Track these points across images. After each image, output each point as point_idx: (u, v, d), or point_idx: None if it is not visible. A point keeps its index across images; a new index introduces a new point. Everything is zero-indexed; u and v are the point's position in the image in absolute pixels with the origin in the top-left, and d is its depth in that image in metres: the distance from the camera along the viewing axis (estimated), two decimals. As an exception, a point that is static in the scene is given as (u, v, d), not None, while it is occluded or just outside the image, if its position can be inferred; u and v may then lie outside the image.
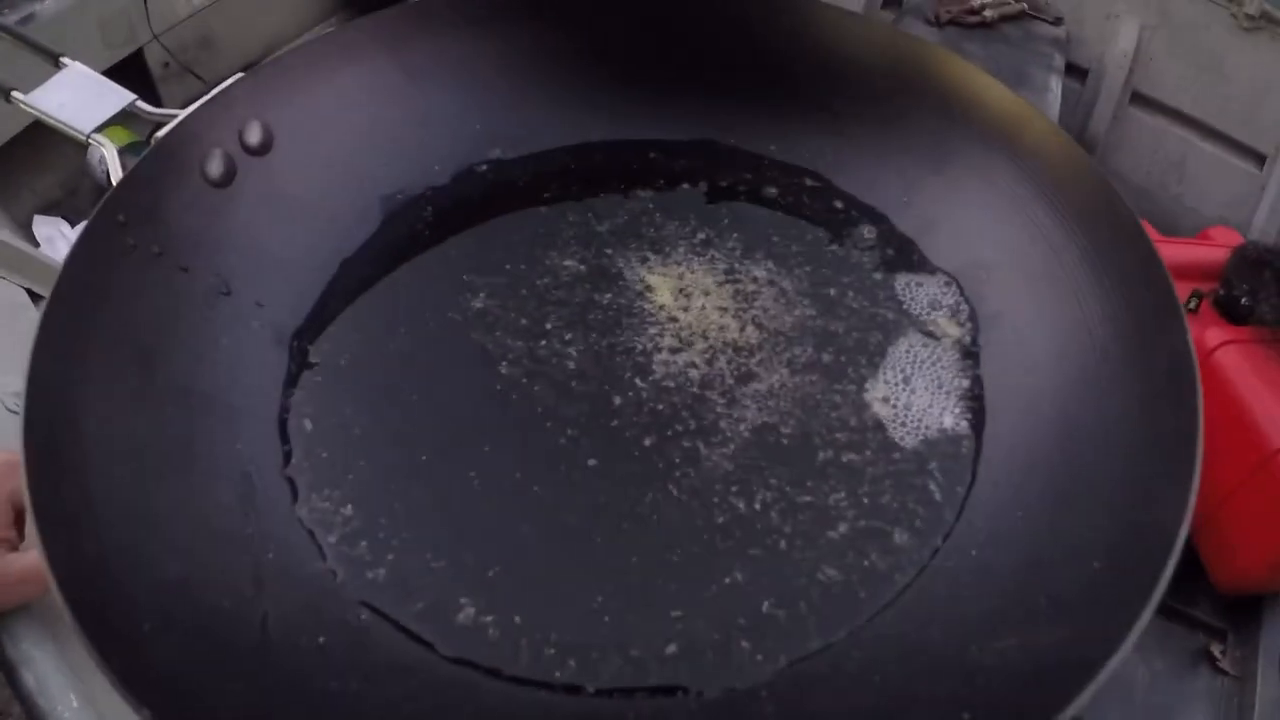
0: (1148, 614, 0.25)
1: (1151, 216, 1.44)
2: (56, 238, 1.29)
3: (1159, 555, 0.26)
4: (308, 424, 0.42)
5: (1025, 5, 1.44)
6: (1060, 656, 0.25)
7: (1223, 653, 1.33)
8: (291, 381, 0.43)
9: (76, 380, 0.36)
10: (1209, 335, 1.31)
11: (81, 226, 0.43)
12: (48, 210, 1.34)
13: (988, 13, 1.41)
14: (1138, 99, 1.49)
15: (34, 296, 1.15)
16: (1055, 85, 1.37)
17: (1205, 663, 1.33)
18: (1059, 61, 1.43)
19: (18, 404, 0.93)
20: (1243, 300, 1.32)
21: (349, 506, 0.38)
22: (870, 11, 1.54)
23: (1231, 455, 1.24)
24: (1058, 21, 1.46)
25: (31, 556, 0.39)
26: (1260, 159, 1.46)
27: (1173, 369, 0.34)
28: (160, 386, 0.40)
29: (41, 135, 1.28)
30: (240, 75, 0.50)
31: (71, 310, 0.38)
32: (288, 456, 0.40)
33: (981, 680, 0.27)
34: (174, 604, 0.31)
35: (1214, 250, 1.39)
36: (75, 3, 1.16)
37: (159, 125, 0.50)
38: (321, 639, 0.32)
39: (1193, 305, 1.33)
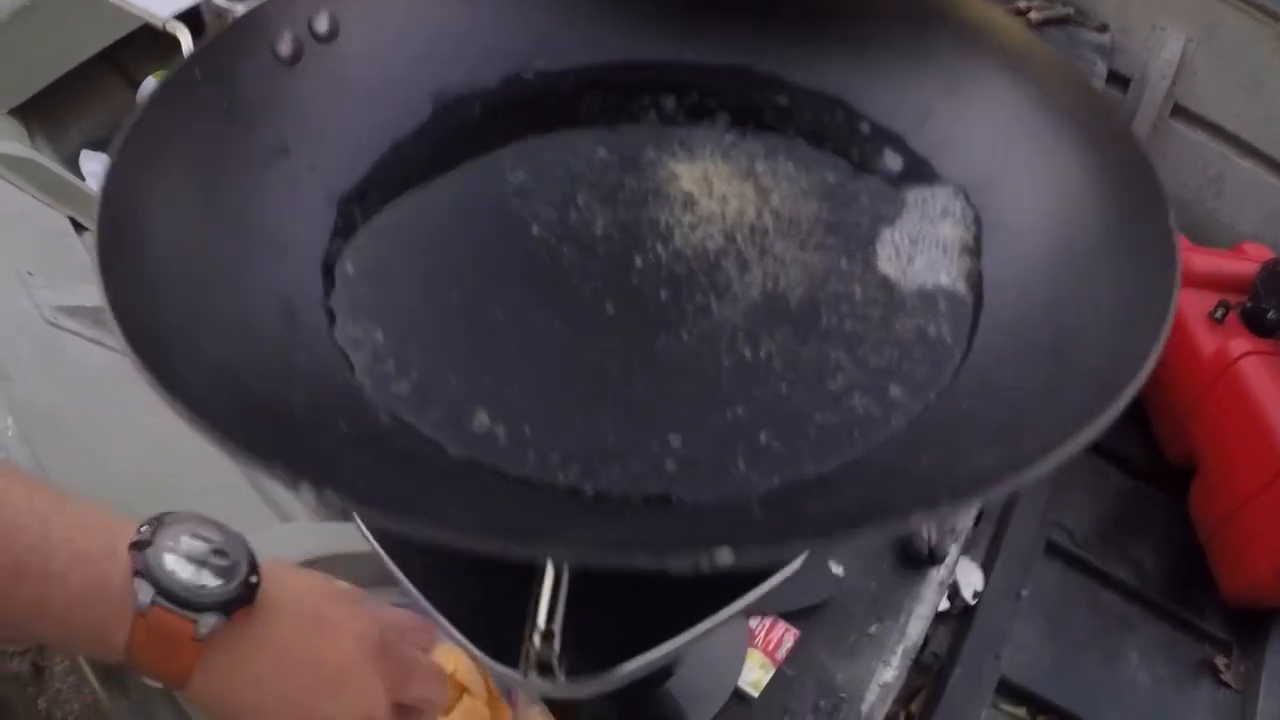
0: (1083, 439, 0.28)
1: (1187, 229, 1.45)
2: (101, 172, 1.36)
3: (1110, 399, 0.29)
4: (350, 267, 0.45)
5: (1071, 10, 1.46)
6: (1024, 458, 0.28)
7: (1227, 666, 1.32)
8: (338, 234, 0.47)
9: (146, 193, 0.40)
10: (1234, 345, 1.32)
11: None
12: (94, 147, 1.39)
13: (1033, 15, 1.42)
14: (1179, 111, 1.49)
15: (77, 226, 1.20)
16: (1097, 90, 1.39)
17: (1208, 674, 1.32)
18: (1101, 68, 1.44)
19: (56, 316, 0.98)
20: (1269, 314, 1.32)
21: (380, 333, 0.41)
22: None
23: (1249, 464, 1.25)
24: (1103, 29, 1.47)
25: None
26: (1299, 179, 1.46)
27: (1155, 254, 0.36)
28: (218, 218, 0.43)
29: (91, 76, 1.34)
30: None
31: (149, 139, 0.42)
32: (328, 292, 0.43)
33: (963, 479, 0.30)
34: (218, 378, 0.34)
35: (1244, 263, 1.39)
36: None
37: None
38: (344, 428, 0.35)
39: (1219, 315, 1.34)
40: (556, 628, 0.34)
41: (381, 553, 0.38)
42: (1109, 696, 1.25)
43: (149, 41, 1.30)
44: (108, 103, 1.44)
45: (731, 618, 0.40)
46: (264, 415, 0.33)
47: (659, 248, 0.45)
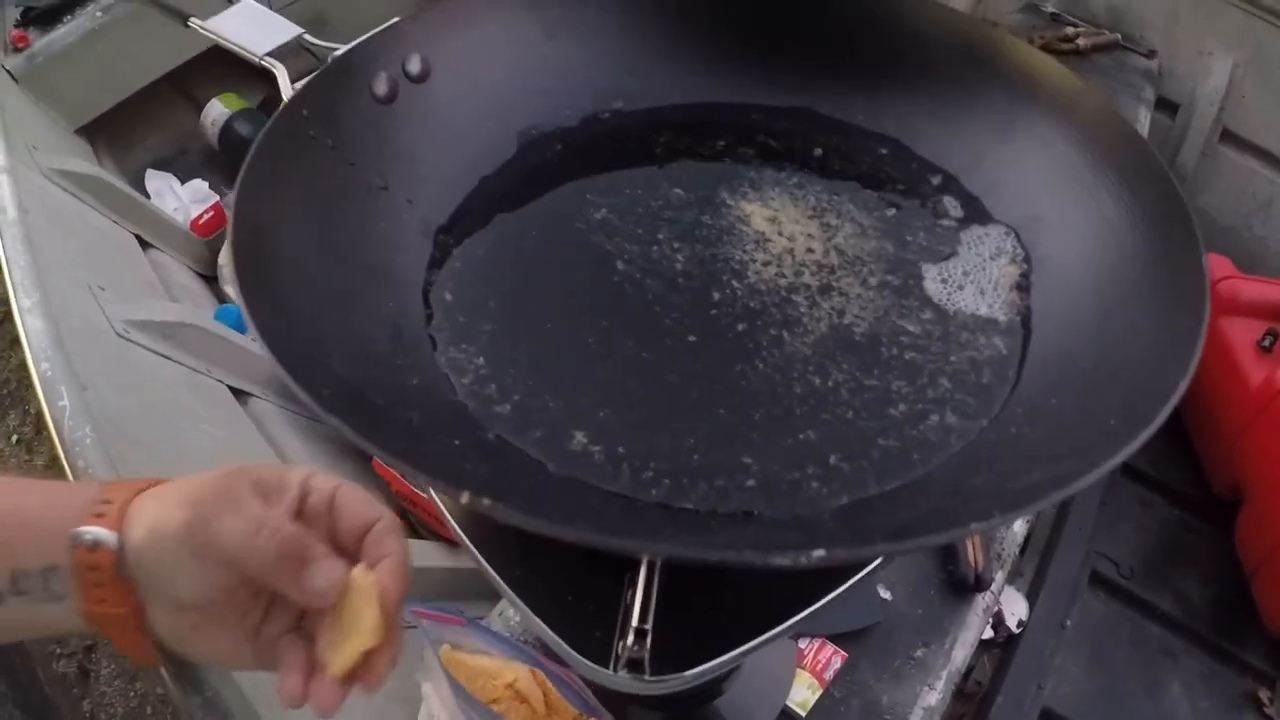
0: (1120, 457, 0.31)
1: (1235, 255, 1.44)
2: (165, 191, 1.39)
3: (1140, 425, 0.32)
4: (448, 295, 0.49)
5: (1119, 36, 1.46)
6: (1067, 475, 0.31)
7: (1270, 699, 1.31)
8: (435, 265, 0.51)
9: (272, 227, 0.44)
10: (1280, 375, 1.31)
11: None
12: (158, 167, 1.44)
13: (1081, 41, 1.43)
14: (1227, 137, 1.48)
15: (143, 243, 1.25)
16: (1144, 117, 1.39)
17: (1251, 706, 1.31)
18: (1149, 94, 1.44)
19: (127, 330, 1.01)
20: (1319, 342, 1.31)
21: (481, 358, 0.45)
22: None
23: (1295, 496, 1.24)
24: (1151, 54, 1.47)
25: None
26: (1347, 207, 1.45)
27: (1188, 289, 0.39)
28: (332, 249, 0.47)
29: (157, 97, 1.38)
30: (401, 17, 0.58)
31: (267, 172, 0.46)
32: (429, 318, 0.48)
33: (1012, 495, 0.33)
34: (346, 394, 0.38)
35: (1293, 291, 1.38)
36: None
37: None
38: (457, 442, 0.39)
39: (1267, 344, 1.33)
40: (649, 626, 0.38)
41: (482, 561, 0.42)
42: (1151, 726, 1.25)
43: (212, 65, 1.35)
44: (172, 123, 1.48)
45: (792, 628, 0.43)
46: (391, 427, 0.37)
47: (734, 283, 0.49)
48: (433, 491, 0.50)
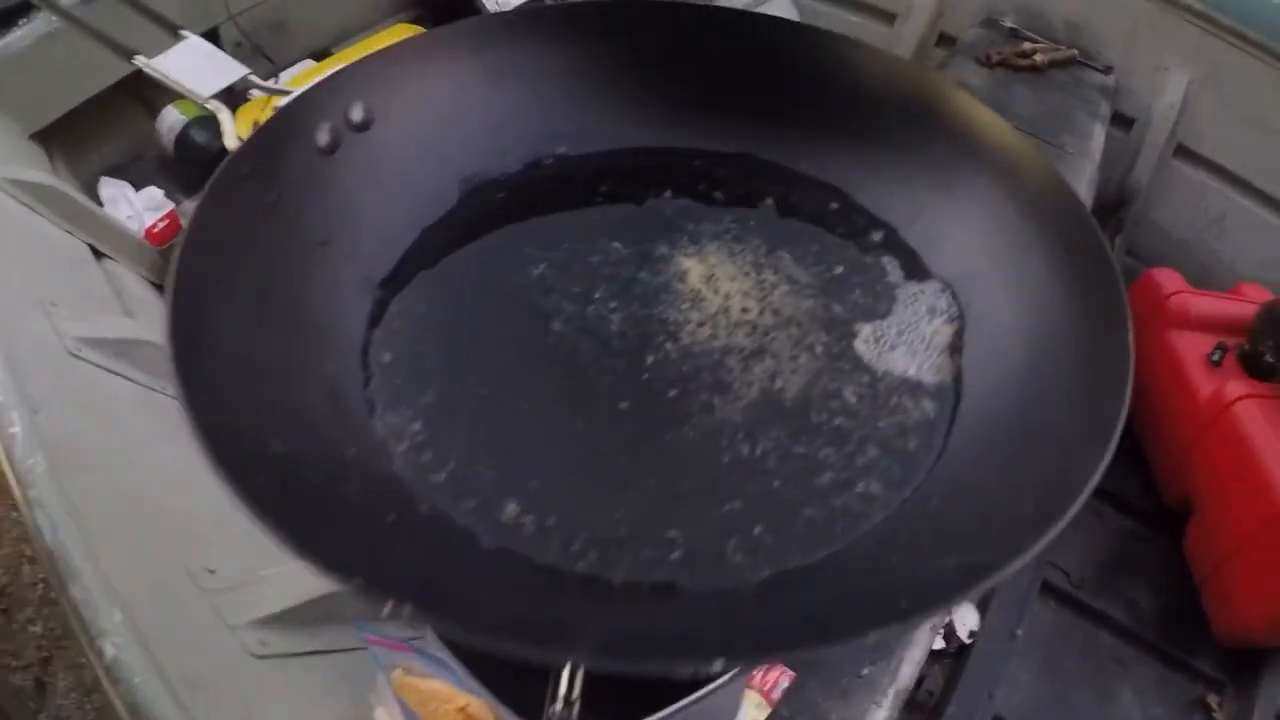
0: (1041, 543, 0.32)
1: (1187, 269, 1.46)
2: (120, 199, 1.36)
3: (1063, 506, 0.33)
4: (386, 356, 0.49)
5: (1076, 52, 1.48)
6: (979, 567, 0.32)
7: (1219, 705, 1.34)
8: (374, 323, 0.51)
9: (209, 291, 0.44)
10: (1230, 388, 1.34)
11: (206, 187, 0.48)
12: (113, 174, 1.40)
13: (1038, 57, 1.44)
14: (1182, 152, 1.51)
15: (96, 253, 1.22)
16: (1099, 133, 1.41)
17: (1201, 712, 1.34)
18: (1105, 109, 1.46)
19: (80, 348, 0.99)
20: (1267, 357, 1.34)
21: (418, 423, 0.46)
22: (922, 51, 1.59)
23: (1243, 507, 1.27)
24: (1108, 70, 1.49)
25: None
26: (1300, 221, 1.47)
27: (1113, 369, 0.40)
28: (270, 311, 0.47)
29: (111, 102, 1.36)
30: (345, 65, 0.58)
31: (207, 239, 0.45)
32: (368, 380, 0.48)
33: (923, 585, 0.34)
34: (277, 469, 0.38)
35: (1243, 305, 1.41)
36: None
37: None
38: (391, 518, 0.40)
39: (1217, 358, 1.36)
40: (576, 697, 0.39)
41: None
42: (1104, 731, 1.28)
43: (168, 71, 1.34)
44: (128, 130, 1.46)
45: (726, 684, 0.44)
46: (322, 506, 0.38)
47: (668, 345, 0.50)
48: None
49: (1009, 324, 0.49)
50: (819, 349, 0.50)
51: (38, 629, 0.79)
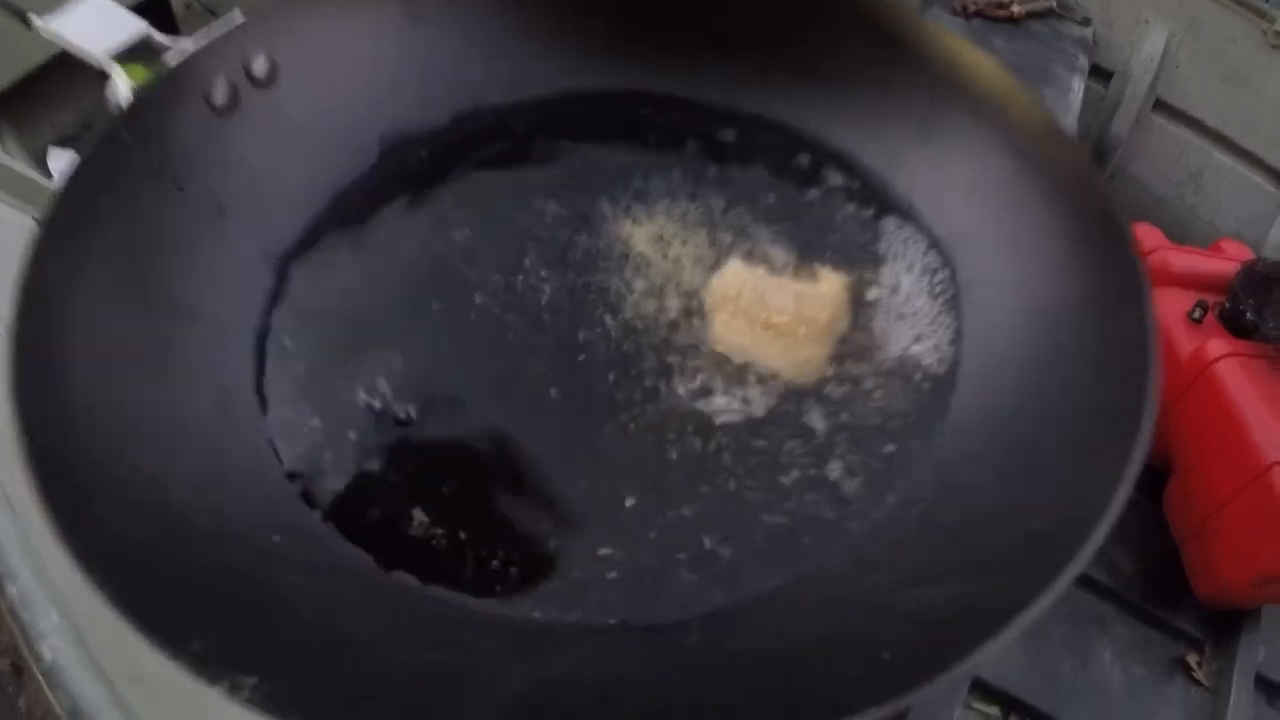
0: (1062, 583, 0.26)
1: (1165, 225, 1.44)
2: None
3: (1083, 532, 0.27)
4: (286, 340, 0.43)
5: (1054, 3, 1.44)
6: (980, 607, 0.26)
7: (1199, 664, 1.33)
8: (274, 302, 0.45)
9: (69, 280, 0.37)
10: (1211, 346, 1.31)
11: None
12: (64, 144, 1.35)
13: (1015, 8, 1.40)
14: (1161, 106, 1.48)
15: None
16: (1078, 85, 1.37)
17: (1181, 672, 1.33)
18: (1084, 62, 1.42)
19: None
20: (1248, 315, 1.31)
21: (316, 419, 0.39)
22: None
23: (1225, 467, 1.24)
24: (1085, 22, 1.45)
25: None
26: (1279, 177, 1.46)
27: (1134, 345, 0.34)
28: (149, 296, 0.41)
29: (62, 70, 1.29)
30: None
31: (70, 217, 0.39)
32: (261, 370, 0.41)
33: (908, 626, 0.28)
34: (136, 490, 0.32)
35: (1223, 263, 1.38)
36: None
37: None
38: (277, 538, 0.34)
39: (1197, 315, 1.33)
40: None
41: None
42: (1082, 695, 1.26)
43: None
44: (82, 97, 1.39)
45: None
46: (187, 535, 0.31)
47: (607, 318, 0.43)
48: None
49: (1007, 295, 0.42)
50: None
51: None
